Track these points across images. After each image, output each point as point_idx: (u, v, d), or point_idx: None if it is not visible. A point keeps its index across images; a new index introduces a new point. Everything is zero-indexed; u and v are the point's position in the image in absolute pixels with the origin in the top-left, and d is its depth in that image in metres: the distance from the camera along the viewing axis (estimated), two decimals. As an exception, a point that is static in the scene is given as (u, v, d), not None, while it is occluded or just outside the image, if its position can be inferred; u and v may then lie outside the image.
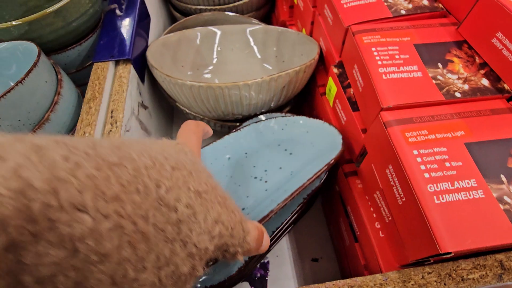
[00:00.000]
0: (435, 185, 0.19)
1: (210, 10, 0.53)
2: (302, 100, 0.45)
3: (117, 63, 0.34)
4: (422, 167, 0.20)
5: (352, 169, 0.30)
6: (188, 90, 0.32)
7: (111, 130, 0.28)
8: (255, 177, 0.32)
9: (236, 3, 0.52)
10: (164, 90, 0.39)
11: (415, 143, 0.21)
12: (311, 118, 0.34)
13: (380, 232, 0.25)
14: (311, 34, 0.42)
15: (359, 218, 0.27)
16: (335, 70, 0.32)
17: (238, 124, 0.37)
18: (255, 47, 0.48)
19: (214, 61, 0.48)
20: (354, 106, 0.29)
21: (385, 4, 0.30)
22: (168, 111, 0.49)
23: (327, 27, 0.35)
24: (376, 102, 0.24)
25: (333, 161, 0.27)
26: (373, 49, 0.27)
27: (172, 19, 0.62)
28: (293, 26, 0.51)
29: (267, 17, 0.62)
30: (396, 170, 0.21)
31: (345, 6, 0.31)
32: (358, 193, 0.28)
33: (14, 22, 0.30)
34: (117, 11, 0.38)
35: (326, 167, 0.27)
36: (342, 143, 0.29)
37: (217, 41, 0.48)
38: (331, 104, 0.34)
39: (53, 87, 0.28)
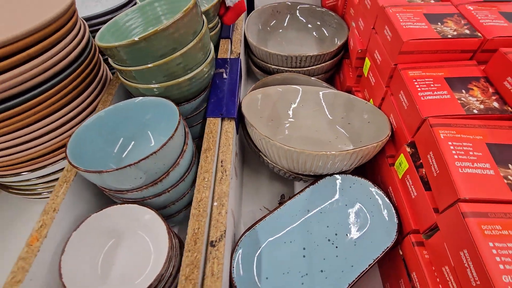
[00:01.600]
0: (509, 276, 0.23)
1: (285, 71, 0.61)
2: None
3: (223, 118, 0.42)
4: (497, 258, 0.24)
5: (419, 239, 0.34)
6: (282, 151, 0.38)
7: (222, 178, 0.35)
8: (328, 239, 0.37)
9: (309, 68, 0.60)
10: (252, 143, 0.46)
11: (491, 236, 0.25)
12: (375, 187, 0.39)
13: (446, 303, 0.29)
14: (379, 106, 0.48)
15: (425, 286, 0.31)
16: (408, 149, 0.37)
17: (310, 176, 0.44)
18: (325, 107, 0.55)
19: (290, 115, 0.55)
20: (426, 186, 0.34)
21: (459, 101, 0.36)
22: (241, 153, 0.57)
23: (401, 109, 0.41)
24: (453, 192, 0.29)
25: (389, 248, 0.33)
26: (450, 143, 0.32)
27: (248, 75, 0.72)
28: (358, 93, 0.57)
29: (331, 79, 0.69)
30: (471, 256, 0.25)
31: (422, 98, 0.37)
32: (425, 263, 0.32)
33: (157, 85, 0.39)
34: (224, 75, 0.47)
35: (382, 254, 0.32)
36: (396, 231, 0.34)
37: (293, 98, 0.56)
38: (400, 176, 0.39)
39: (183, 137, 0.36)
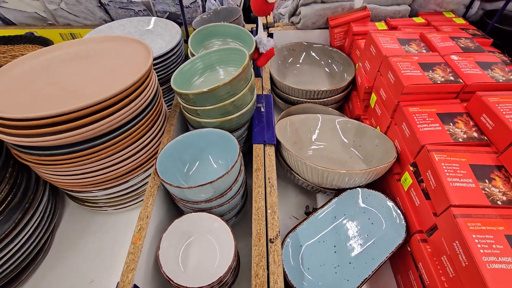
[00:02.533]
0: (488, 257, 0.34)
1: (304, 102, 0.73)
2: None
3: (265, 144, 0.53)
4: (479, 245, 0.35)
5: (423, 237, 0.45)
6: (315, 170, 0.49)
7: (270, 191, 0.46)
8: (353, 239, 0.47)
9: (324, 99, 0.72)
10: (284, 162, 0.57)
11: (474, 230, 0.36)
12: (386, 198, 0.50)
13: (445, 283, 0.39)
14: (385, 133, 0.60)
15: (430, 273, 0.41)
16: (411, 168, 0.49)
17: (334, 190, 0.54)
18: (340, 132, 0.67)
19: (312, 139, 0.66)
20: (427, 196, 0.45)
21: (448, 132, 0.48)
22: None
23: (404, 137, 0.53)
24: (446, 200, 0.40)
25: (400, 244, 0.43)
26: (442, 164, 0.43)
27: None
28: (366, 120, 0.69)
29: (341, 107, 0.82)
30: (461, 245, 0.36)
31: (420, 129, 0.49)
32: (428, 255, 0.43)
33: (214, 120, 0.50)
34: (262, 108, 0.58)
35: (396, 249, 0.43)
36: (405, 231, 0.45)
37: (314, 125, 0.67)
38: (405, 189, 0.50)
39: (241, 161, 0.47)
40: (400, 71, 0.54)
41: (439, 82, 0.52)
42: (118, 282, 0.36)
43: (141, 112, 0.49)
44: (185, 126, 0.63)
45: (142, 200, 0.59)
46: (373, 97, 0.65)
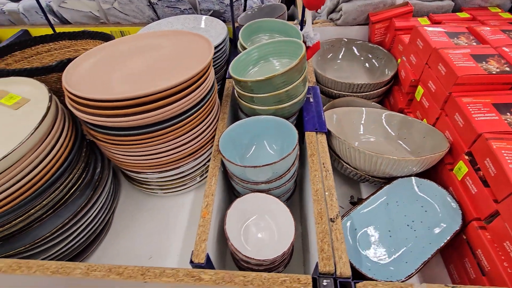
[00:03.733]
0: (559, 240, 0.34)
1: (346, 95, 0.75)
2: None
3: (317, 132, 0.55)
4: (549, 228, 0.35)
5: (481, 224, 0.45)
6: (368, 157, 0.51)
7: (326, 175, 0.48)
8: (407, 225, 0.48)
9: (367, 93, 0.73)
10: (331, 150, 0.59)
11: (542, 214, 0.36)
12: (439, 187, 0.50)
13: (508, 268, 0.39)
14: (433, 124, 0.60)
15: (490, 259, 0.41)
16: (467, 157, 0.49)
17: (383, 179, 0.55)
18: (385, 125, 0.67)
19: (359, 131, 0.67)
20: (485, 184, 0.45)
21: (505, 121, 0.48)
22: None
23: (456, 127, 0.53)
24: (510, 185, 0.40)
25: (457, 231, 0.44)
26: (503, 151, 0.43)
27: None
28: (410, 114, 0.70)
29: (381, 102, 0.82)
30: (529, 228, 0.36)
31: (476, 119, 0.49)
32: (488, 241, 0.43)
33: (268, 107, 0.52)
34: (310, 99, 0.60)
35: (453, 235, 0.43)
36: (461, 219, 0.45)
37: (358, 117, 0.69)
38: (459, 178, 0.50)
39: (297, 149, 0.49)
40: (452, 62, 0.55)
41: (494, 72, 0.52)
42: (193, 251, 0.39)
43: (202, 99, 0.52)
44: (235, 115, 0.66)
45: (188, 187, 0.63)
46: (420, 90, 0.65)
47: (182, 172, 0.59)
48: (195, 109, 0.50)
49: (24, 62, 0.68)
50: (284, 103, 0.53)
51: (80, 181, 0.50)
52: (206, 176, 0.65)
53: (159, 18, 0.95)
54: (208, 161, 0.66)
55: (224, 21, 0.89)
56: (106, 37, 0.70)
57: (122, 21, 0.96)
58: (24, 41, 0.67)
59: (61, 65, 0.53)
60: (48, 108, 0.44)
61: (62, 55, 0.73)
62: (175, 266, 0.53)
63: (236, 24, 0.84)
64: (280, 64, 0.57)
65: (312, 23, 0.92)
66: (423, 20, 0.79)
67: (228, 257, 0.54)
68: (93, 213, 0.52)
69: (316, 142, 0.53)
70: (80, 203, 0.50)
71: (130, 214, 0.62)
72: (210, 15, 0.91)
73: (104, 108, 0.44)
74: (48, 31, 0.99)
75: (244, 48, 0.63)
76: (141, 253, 0.56)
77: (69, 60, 0.53)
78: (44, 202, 0.44)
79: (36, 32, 0.98)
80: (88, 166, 0.53)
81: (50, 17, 0.97)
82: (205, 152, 0.59)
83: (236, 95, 0.57)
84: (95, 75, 0.51)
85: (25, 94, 0.50)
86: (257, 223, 0.47)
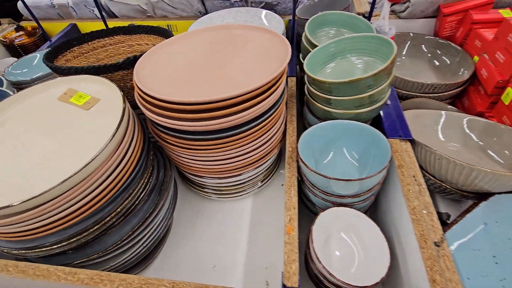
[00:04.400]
0: None
1: (416, 96, 0.68)
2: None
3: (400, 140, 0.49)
4: None
5: None
6: (458, 169, 0.45)
7: (420, 190, 0.42)
8: (512, 248, 0.42)
9: (440, 94, 0.66)
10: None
11: None
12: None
13: None
14: (529, 133, 0.53)
15: None
16: None
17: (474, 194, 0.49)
18: (467, 131, 0.60)
19: (438, 136, 0.61)
20: None
21: None
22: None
23: None
24: None
25: None
26: None
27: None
28: (492, 118, 0.62)
29: (452, 104, 0.74)
30: None
31: None
32: None
33: (348, 111, 0.47)
34: (388, 101, 0.54)
35: None
36: None
37: (433, 121, 0.62)
38: None
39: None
40: None
41: None
42: (283, 272, 0.35)
43: (276, 103, 0.48)
44: (301, 117, 0.61)
45: (247, 192, 0.59)
46: (510, 92, 0.58)
47: (245, 178, 0.55)
48: (268, 114, 0.46)
49: (81, 58, 0.67)
50: (365, 108, 0.48)
51: (148, 185, 0.47)
52: (267, 181, 0.62)
53: (207, 12, 0.91)
54: (273, 165, 0.62)
55: (277, 13, 0.84)
56: (162, 32, 0.67)
57: (170, 14, 0.93)
58: (82, 36, 0.66)
59: (128, 63, 0.51)
60: (124, 110, 0.41)
61: (116, 51, 0.71)
62: (241, 277, 0.50)
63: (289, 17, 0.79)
64: (362, 62, 0.51)
65: (372, 16, 0.85)
66: (506, 12, 0.70)
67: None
68: (159, 218, 0.50)
69: (401, 151, 0.47)
70: (147, 209, 0.48)
71: (188, 219, 0.60)
72: (261, 8, 0.87)
73: (181, 111, 0.40)
74: (96, 25, 0.98)
75: (311, 43, 0.57)
76: (204, 262, 0.53)
77: (135, 57, 0.51)
78: (118, 209, 0.42)
79: (84, 26, 0.98)
80: (154, 169, 0.50)
81: (97, 11, 0.96)
82: (271, 158, 0.55)
83: (308, 95, 0.53)
84: (166, 73, 0.48)
85: (94, 93, 0.47)
86: (338, 240, 0.43)
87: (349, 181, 0.39)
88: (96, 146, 0.37)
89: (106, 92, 0.47)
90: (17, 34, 0.98)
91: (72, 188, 0.35)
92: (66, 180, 0.33)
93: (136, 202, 0.45)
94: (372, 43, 0.49)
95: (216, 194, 0.60)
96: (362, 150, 0.48)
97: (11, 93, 0.62)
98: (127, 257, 0.46)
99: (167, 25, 0.93)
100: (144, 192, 0.46)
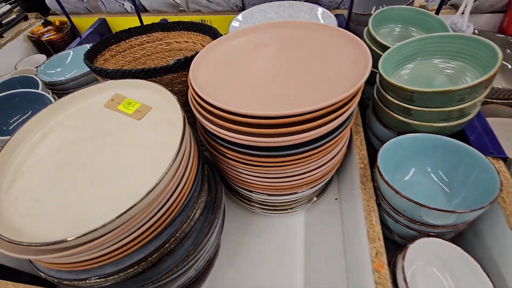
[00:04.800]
0: None
1: (487, 103, 0.61)
2: None
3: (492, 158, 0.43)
4: None
5: None
6: None
7: (527, 221, 0.36)
8: None
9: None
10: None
11: None
12: None
13: None
14: None
15: None
16: None
17: None
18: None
19: None
20: None
21: None
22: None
23: None
24: None
25: None
26: None
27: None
28: None
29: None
30: None
31: None
32: None
33: (431, 124, 0.41)
34: (470, 110, 0.47)
35: None
36: None
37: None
38: None
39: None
40: None
41: None
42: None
43: (349, 116, 0.42)
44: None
45: (298, 209, 0.54)
46: None
47: (303, 194, 0.50)
48: (344, 126, 0.40)
49: (118, 57, 0.62)
50: (452, 121, 0.41)
51: (203, 203, 0.43)
52: (322, 196, 0.56)
53: (244, 6, 0.85)
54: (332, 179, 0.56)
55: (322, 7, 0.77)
56: (204, 29, 0.61)
57: (204, 9, 0.87)
58: (120, 33, 0.61)
59: (178, 65, 0.45)
60: (184, 123, 0.36)
61: (154, 49, 0.66)
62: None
63: (337, 12, 0.72)
64: (449, 68, 0.44)
65: (428, 9, 0.77)
66: None
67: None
68: (213, 237, 0.45)
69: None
70: (201, 229, 0.43)
71: (235, 236, 0.55)
72: (305, 1, 0.80)
73: (252, 125, 0.35)
74: (126, 20, 0.94)
75: (377, 43, 0.51)
76: (258, 286, 0.48)
77: (187, 59, 0.45)
78: (177, 234, 0.37)
79: (113, 21, 0.93)
80: (207, 186, 0.45)
81: (128, 5, 0.91)
82: (333, 172, 0.49)
83: (379, 101, 0.46)
84: (224, 77, 0.42)
85: (143, 99, 0.42)
86: (427, 277, 0.37)
87: (448, 212, 0.33)
88: (156, 164, 0.33)
89: (156, 98, 0.42)
90: (45, 29, 0.94)
91: (134, 216, 0.30)
92: (129, 209, 0.29)
93: (192, 224, 0.40)
94: (466, 46, 0.42)
95: (263, 209, 0.55)
96: (452, 170, 0.41)
97: (47, 95, 0.58)
98: (180, 283, 0.42)
99: (201, 20, 0.88)
100: (200, 211, 0.41)
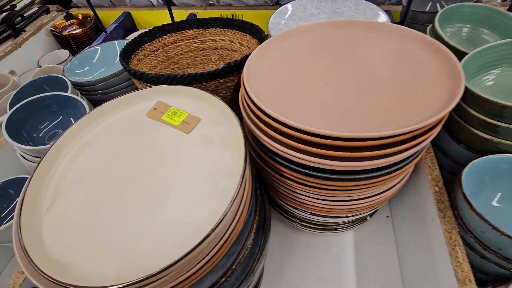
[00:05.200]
0: None
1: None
2: None
3: None
4: None
5: None
6: None
7: None
8: None
9: None
10: None
11: None
12: None
13: None
14: None
15: None
16: None
17: None
18: None
19: None
20: None
21: None
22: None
23: None
24: None
25: None
26: None
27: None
28: None
29: None
30: None
31: None
32: None
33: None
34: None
35: None
36: None
37: None
38: None
39: None
40: None
41: None
42: None
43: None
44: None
45: (348, 229, 0.49)
46: None
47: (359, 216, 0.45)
48: (420, 151, 0.35)
49: (151, 57, 0.57)
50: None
51: (255, 226, 0.38)
52: (373, 212, 0.51)
53: (278, 0, 0.79)
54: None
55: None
56: (245, 26, 0.56)
57: (235, 2, 0.81)
58: (153, 31, 0.56)
59: (227, 70, 0.41)
60: (245, 140, 0.31)
61: (188, 47, 0.61)
62: None
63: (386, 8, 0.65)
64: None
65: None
66: None
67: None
68: (262, 261, 0.41)
69: None
70: (252, 254, 0.39)
71: (281, 255, 0.51)
72: (347, -4, 0.73)
73: (318, 146, 0.30)
74: (152, 14, 0.89)
75: (443, 42, 0.45)
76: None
77: (236, 63, 0.40)
78: (233, 266, 0.33)
79: (138, 15, 0.88)
80: (257, 207, 0.41)
81: (154, -2, 0.86)
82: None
83: (455, 115, 0.41)
84: (282, 85, 0.37)
85: (190, 109, 0.38)
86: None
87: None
88: (216, 188, 0.29)
89: (204, 108, 0.38)
90: (68, 23, 0.90)
91: (199, 253, 0.26)
92: (196, 247, 0.24)
93: (244, 251, 0.36)
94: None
95: (307, 227, 0.50)
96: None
97: (80, 99, 0.54)
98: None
99: (232, 15, 0.82)
100: (253, 236, 0.37)
